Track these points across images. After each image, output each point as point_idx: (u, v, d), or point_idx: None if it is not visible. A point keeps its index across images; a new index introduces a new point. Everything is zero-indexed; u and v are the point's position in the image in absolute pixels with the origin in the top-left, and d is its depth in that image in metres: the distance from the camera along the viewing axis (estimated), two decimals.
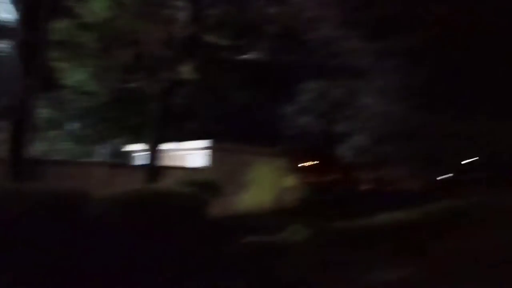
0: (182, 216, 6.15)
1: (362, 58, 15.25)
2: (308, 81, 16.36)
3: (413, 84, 15.41)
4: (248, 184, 14.42)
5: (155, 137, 11.69)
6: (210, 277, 5.52)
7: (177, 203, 6.35)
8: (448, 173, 20.78)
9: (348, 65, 15.37)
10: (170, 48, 11.72)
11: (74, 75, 12.12)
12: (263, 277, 5.81)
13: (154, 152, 11.68)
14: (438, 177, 17.41)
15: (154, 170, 11.55)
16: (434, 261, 8.29)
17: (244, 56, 16.75)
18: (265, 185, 15.28)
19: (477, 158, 29.23)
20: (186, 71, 11.91)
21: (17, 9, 8.22)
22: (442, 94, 15.37)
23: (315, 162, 23.96)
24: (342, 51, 14.76)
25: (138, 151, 15.39)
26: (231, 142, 15.00)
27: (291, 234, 7.12)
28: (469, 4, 16.70)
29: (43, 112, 12.73)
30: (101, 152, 16.56)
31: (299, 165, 19.19)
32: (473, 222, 12.48)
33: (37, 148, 11.94)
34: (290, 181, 16.55)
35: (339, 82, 15.71)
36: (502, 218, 13.05)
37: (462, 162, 27.95)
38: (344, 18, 14.14)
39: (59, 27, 10.78)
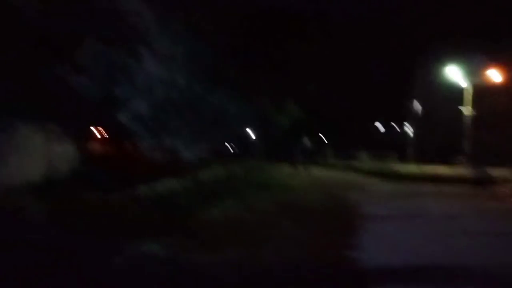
0: None
1: (146, 21, 14.49)
2: (86, 40, 14.67)
3: (199, 56, 15.58)
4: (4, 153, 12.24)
5: None
6: None
7: None
8: (224, 145, 22.13)
9: (131, 26, 14.44)
10: None
11: None
12: None
13: None
14: (214, 148, 18.31)
15: None
16: (195, 232, 8.50)
17: None
18: (27, 155, 13.28)
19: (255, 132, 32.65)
20: None
21: None
22: (216, 70, 15.96)
23: (96, 130, 22.29)
24: (124, 11, 13.69)
25: None
26: None
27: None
28: None
29: None
30: None
31: (77, 133, 17.43)
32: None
33: None
34: (61, 150, 14.91)
35: (121, 44, 14.62)
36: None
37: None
38: None
39: None
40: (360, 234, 8.13)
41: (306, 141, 46.13)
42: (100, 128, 21.94)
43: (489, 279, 5.47)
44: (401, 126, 38.58)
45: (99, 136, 22.08)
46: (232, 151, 32.48)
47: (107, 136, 21.66)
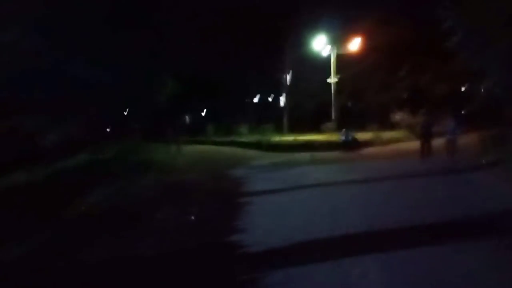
0: None
1: None
2: None
3: (56, 18, 13.47)
4: None
5: None
6: None
7: None
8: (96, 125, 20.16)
9: None
10: None
11: None
12: None
13: None
14: (83, 129, 16.44)
15: None
16: (71, 223, 7.45)
17: None
18: None
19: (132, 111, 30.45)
20: None
21: None
22: (79, 37, 14.03)
23: None
24: None
25: None
26: None
27: None
28: None
29: None
30: None
31: None
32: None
33: None
34: None
35: None
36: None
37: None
38: None
39: None
40: (244, 215, 7.85)
41: (186, 119, 45.19)
42: None
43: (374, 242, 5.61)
44: (276, 98, 39.97)
45: None
46: (106, 132, 30.00)
47: None
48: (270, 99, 41.44)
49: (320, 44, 30.80)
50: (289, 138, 26.85)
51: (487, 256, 4.93)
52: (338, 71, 30.56)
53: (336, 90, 30.84)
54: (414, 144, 17.33)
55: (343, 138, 21.50)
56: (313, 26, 30.90)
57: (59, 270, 5.29)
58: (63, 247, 6.32)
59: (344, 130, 21.95)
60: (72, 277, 5.06)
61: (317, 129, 30.27)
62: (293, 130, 32.80)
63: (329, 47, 30.54)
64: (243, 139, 29.07)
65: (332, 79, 30.65)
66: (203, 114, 43.22)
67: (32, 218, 7.37)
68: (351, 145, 20.97)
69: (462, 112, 24.94)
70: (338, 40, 30.56)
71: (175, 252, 5.80)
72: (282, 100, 38.01)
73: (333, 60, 30.48)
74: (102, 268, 5.32)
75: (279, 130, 33.36)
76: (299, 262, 5.03)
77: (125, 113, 28.38)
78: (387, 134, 24.79)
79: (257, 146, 24.72)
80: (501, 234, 5.73)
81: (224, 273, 4.96)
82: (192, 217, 7.10)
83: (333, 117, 30.51)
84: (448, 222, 6.47)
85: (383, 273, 4.54)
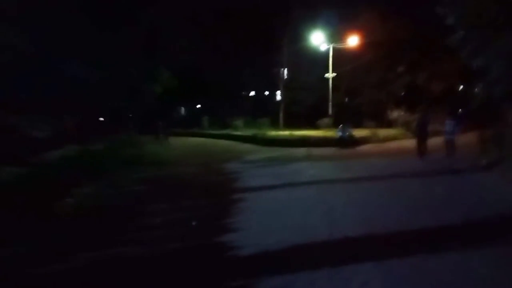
0: None
1: None
2: None
3: (49, 18, 13.21)
4: None
5: None
6: None
7: None
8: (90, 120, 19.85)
9: None
10: None
11: None
12: None
13: None
14: (76, 124, 16.14)
15: None
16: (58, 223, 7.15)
17: None
18: None
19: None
20: None
21: None
22: (71, 35, 13.76)
23: None
24: None
25: None
26: None
27: None
28: None
29: None
30: None
31: None
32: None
33: None
34: None
35: None
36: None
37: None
38: None
39: None
40: (237, 212, 7.57)
41: (181, 111, 44.78)
42: None
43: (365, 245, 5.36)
44: (273, 92, 39.60)
45: None
46: (100, 123, 29.59)
47: None
48: (267, 93, 41.07)
49: (318, 39, 30.42)
50: (284, 133, 26.58)
51: (488, 262, 4.70)
52: (335, 67, 30.21)
53: (333, 86, 30.51)
54: (411, 142, 17.12)
55: (339, 134, 21.24)
56: (311, 21, 30.52)
57: (44, 272, 5.01)
58: (50, 248, 6.02)
59: (341, 126, 21.68)
60: (59, 278, 4.80)
61: (313, 125, 29.97)
62: (289, 125, 32.48)
63: (325, 42, 30.19)
64: (239, 132, 28.76)
65: (330, 74, 30.32)
66: (199, 106, 42.76)
67: (14, 217, 7.06)
68: (347, 141, 20.75)
69: (460, 111, 24.75)
70: (336, 35, 30.18)
71: (161, 255, 5.48)
72: (279, 95, 37.65)
73: (331, 55, 30.13)
74: (84, 271, 5.04)
75: (275, 125, 33.06)
76: (295, 267, 4.73)
77: (122, 104, 27.97)
78: (384, 132, 24.58)
79: (252, 140, 24.44)
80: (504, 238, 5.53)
81: (214, 278, 4.68)
82: (194, 223, 6.85)
83: (329, 113, 30.21)
84: (446, 225, 6.23)
85: (383, 281, 4.28)
